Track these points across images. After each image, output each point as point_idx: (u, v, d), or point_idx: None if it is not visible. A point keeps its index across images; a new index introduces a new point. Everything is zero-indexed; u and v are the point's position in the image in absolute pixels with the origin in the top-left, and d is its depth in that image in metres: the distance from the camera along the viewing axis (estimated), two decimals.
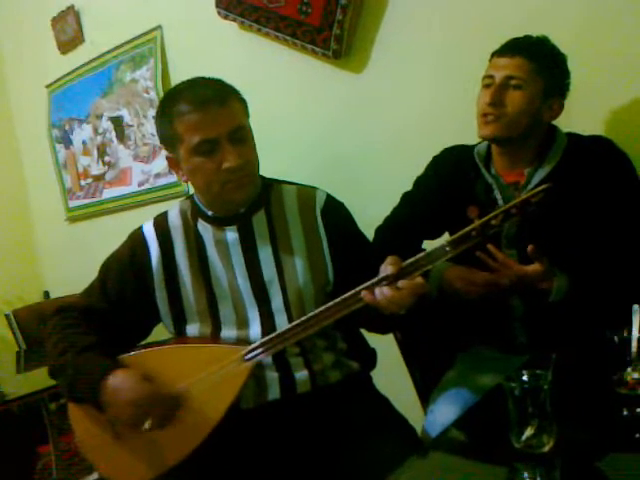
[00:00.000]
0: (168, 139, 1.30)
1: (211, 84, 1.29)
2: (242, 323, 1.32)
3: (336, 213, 1.40)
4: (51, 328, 1.37)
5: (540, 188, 1.13)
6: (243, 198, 1.31)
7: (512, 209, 1.12)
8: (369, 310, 1.17)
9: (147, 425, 1.19)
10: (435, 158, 1.62)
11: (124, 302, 1.35)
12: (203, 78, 1.31)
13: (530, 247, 1.26)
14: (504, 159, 1.48)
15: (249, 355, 1.24)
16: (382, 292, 1.12)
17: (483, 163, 1.50)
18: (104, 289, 1.37)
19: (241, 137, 1.26)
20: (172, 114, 1.25)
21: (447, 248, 1.14)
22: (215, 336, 1.33)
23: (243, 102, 1.31)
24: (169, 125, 1.26)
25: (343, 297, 1.17)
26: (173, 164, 1.33)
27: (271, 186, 1.40)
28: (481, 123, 1.43)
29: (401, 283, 1.11)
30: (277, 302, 1.31)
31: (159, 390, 1.20)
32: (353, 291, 1.17)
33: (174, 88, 1.33)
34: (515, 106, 1.38)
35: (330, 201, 1.40)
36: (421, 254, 1.14)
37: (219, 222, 1.35)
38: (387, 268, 1.14)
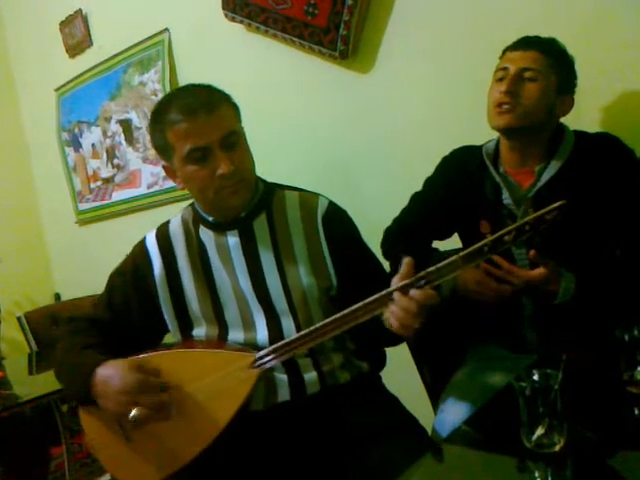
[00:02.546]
0: (161, 148, 1.30)
1: (199, 92, 1.28)
2: (248, 326, 1.33)
3: (337, 221, 1.39)
4: (60, 337, 1.40)
5: (555, 205, 1.09)
6: (239, 203, 1.31)
7: (526, 226, 1.10)
8: (378, 322, 1.17)
9: (135, 412, 1.17)
10: (444, 159, 1.62)
11: (130, 314, 1.38)
12: (193, 85, 1.31)
13: (532, 252, 1.27)
14: (514, 155, 1.46)
15: (258, 362, 1.24)
16: (396, 302, 1.10)
17: (491, 161, 1.49)
18: (110, 302, 1.40)
19: (233, 142, 1.25)
20: (163, 123, 1.26)
21: (459, 263, 1.11)
22: (222, 339, 1.33)
23: (234, 107, 1.31)
24: (161, 135, 1.27)
25: (352, 309, 1.15)
26: (169, 172, 1.35)
27: (273, 191, 1.40)
28: (495, 114, 1.41)
29: (412, 292, 1.09)
30: (282, 305, 1.32)
31: (146, 378, 1.20)
32: (362, 303, 1.14)
33: (164, 98, 1.35)
34: (531, 98, 1.37)
35: (332, 208, 1.39)
36: (431, 268, 1.11)
37: (220, 227, 1.36)
38: (397, 281, 1.12)
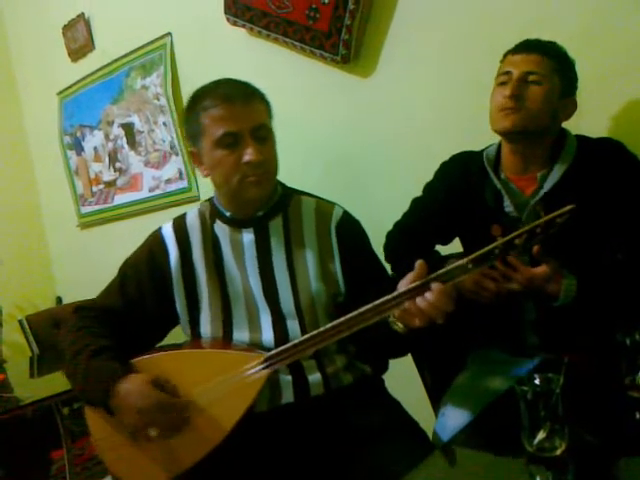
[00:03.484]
0: (193, 133, 1.34)
1: (237, 84, 1.34)
2: (254, 325, 1.33)
3: (350, 231, 1.41)
4: (69, 327, 1.38)
5: (566, 209, 1.08)
6: (259, 195, 1.33)
7: (536, 229, 1.09)
8: (383, 328, 1.17)
9: (153, 433, 1.19)
10: (443, 164, 1.61)
11: (142, 302, 1.37)
12: (230, 78, 1.36)
13: (536, 248, 1.26)
14: (516, 160, 1.45)
15: (266, 364, 1.23)
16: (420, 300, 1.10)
17: (492, 167, 1.48)
18: (122, 289, 1.39)
19: (263, 135, 1.30)
20: (198, 109, 1.30)
21: (469, 266, 1.11)
22: (228, 338, 1.34)
23: (267, 104, 1.36)
24: (195, 119, 1.31)
25: (360, 310, 1.15)
26: (195, 158, 1.38)
27: (291, 195, 1.43)
28: (499, 117, 1.39)
29: (429, 292, 1.09)
30: (288, 306, 1.33)
31: (167, 399, 1.20)
32: (372, 304, 1.14)
33: (202, 86, 1.37)
34: (536, 101, 1.36)
35: (346, 218, 1.42)
36: (442, 270, 1.11)
37: (236, 223, 1.37)
38: (407, 283, 1.12)
